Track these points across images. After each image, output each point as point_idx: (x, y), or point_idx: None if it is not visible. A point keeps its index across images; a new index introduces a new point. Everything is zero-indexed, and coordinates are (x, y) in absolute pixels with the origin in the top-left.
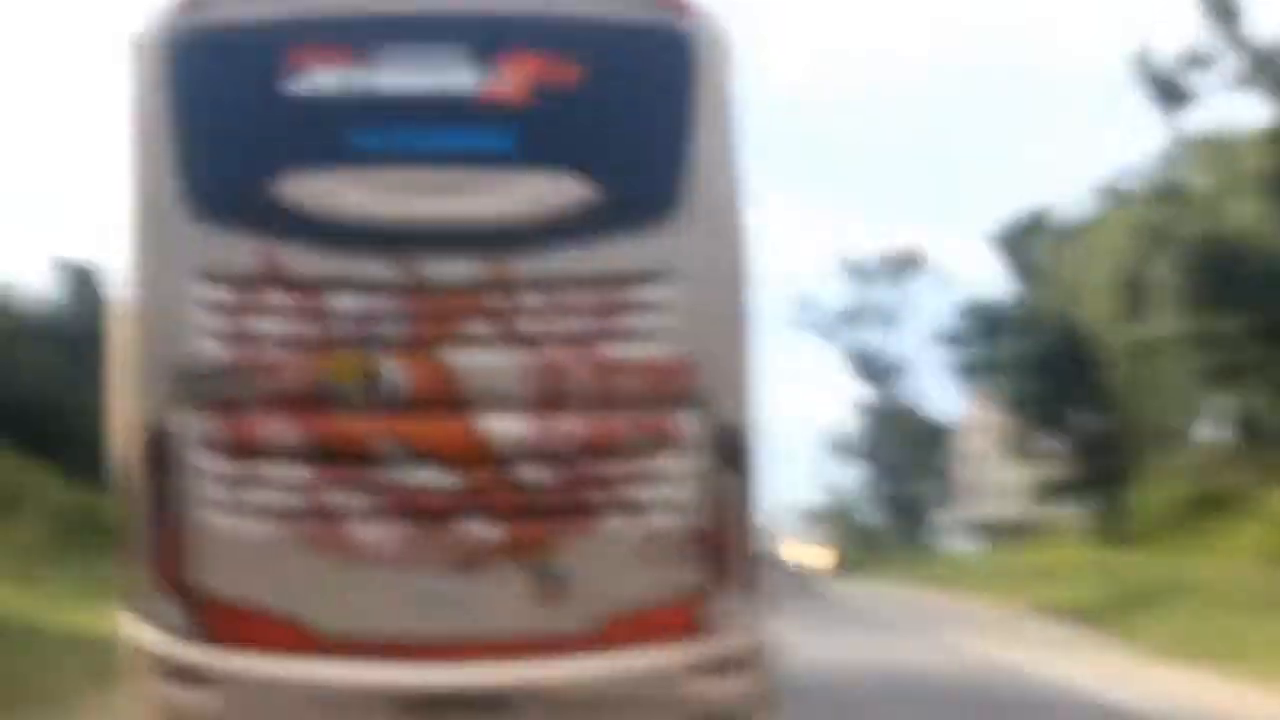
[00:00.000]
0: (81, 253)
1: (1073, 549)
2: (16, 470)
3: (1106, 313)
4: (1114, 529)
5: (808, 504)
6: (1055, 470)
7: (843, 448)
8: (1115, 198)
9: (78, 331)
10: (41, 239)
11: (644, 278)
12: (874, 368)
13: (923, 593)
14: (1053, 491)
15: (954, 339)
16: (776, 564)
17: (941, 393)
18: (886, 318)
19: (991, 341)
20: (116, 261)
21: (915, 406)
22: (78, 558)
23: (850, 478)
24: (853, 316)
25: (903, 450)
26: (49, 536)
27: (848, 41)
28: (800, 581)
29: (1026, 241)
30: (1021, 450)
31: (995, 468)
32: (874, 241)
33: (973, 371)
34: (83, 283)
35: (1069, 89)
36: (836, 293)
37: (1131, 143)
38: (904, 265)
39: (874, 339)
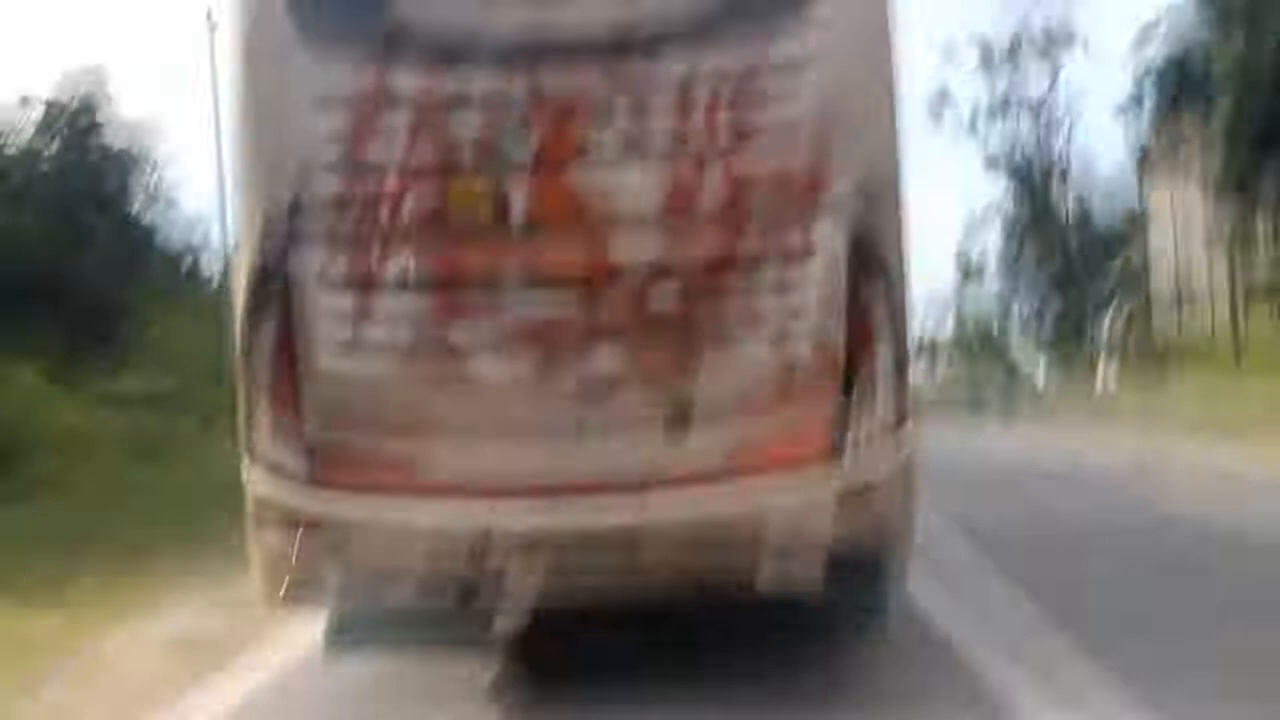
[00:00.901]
0: (58, 86)
1: None
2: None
3: None
4: None
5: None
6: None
7: (979, 269)
8: None
9: (70, 188)
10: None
11: (776, 72)
12: (1023, 168)
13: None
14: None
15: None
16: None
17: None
18: (1035, 107)
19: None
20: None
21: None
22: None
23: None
24: (995, 109)
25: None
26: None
27: None
28: None
29: None
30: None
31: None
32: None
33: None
34: (70, 125)
35: None
36: (971, 82)
37: None
38: (1052, 45)
39: (1023, 133)
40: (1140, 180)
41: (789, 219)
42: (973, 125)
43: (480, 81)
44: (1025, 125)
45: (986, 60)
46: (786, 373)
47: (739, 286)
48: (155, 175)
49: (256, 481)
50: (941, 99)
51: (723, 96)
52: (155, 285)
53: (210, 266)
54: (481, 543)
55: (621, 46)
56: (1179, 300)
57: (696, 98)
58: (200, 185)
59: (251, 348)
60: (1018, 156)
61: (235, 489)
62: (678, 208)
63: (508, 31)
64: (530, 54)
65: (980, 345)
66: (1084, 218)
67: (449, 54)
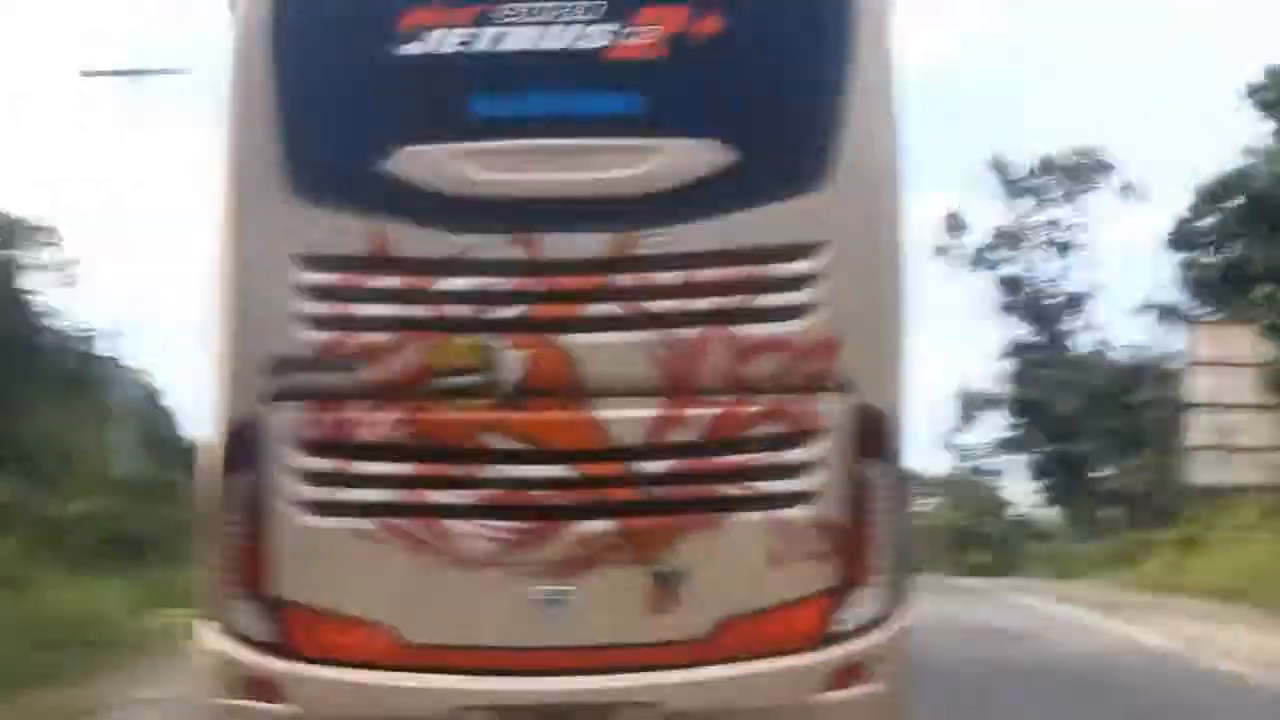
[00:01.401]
0: None
1: None
2: None
3: None
4: None
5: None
6: None
7: (986, 403)
8: None
9: None
10: None
11: (788, 252)
12: (1037, 303)
13: None
14: None
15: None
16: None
17: (1133, 331)
18: (1055, 240)
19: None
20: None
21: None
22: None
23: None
24: (1010, 239)
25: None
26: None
27: None
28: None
29: None
30: None
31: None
32: (1036, 145)
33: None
34: None
35: None
36: (987, 211)
37: None
38: (1080, 172)
39: (1039, 266)
40: (1179, 317)
41: (791, 391)
42: (985, 252)
43: (479, 243)
44: (1042, 255)
45: (1005, 185)
46: (780, 546)
47: (735, 458)
48: None
49: (215, 643)
50: (953, 224)
51: (730, 267)
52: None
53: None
54: (456, 714)
55: (629, 212)
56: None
57: (703, 268)
58: None
59: (220, 502)
60: (1032, 287)
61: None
62: (675, 377)
63: (511, 192)
64: (534, 216)
65: (982, 498)
66: (1102, 357)
67: (449, 214)
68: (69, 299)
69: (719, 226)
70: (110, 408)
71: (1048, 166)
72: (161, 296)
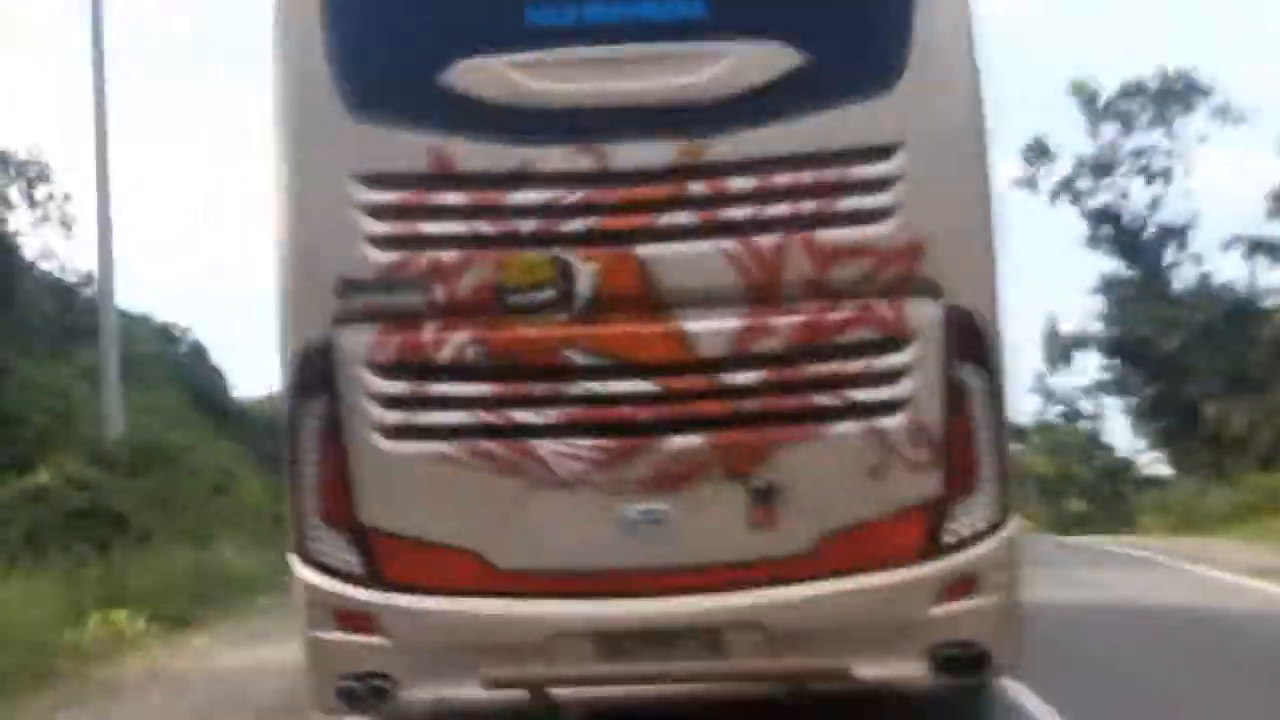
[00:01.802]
0: None
1: None
2: None
3: None
4: None
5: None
6: None
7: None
8: None
9: None
10: None
11: (865, 153)
12: (1129, 236)
13: None
14: None
15: None
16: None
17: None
18: (1147, 169)
19: None
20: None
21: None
22: None
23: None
24: (1098, 168)
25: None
26: None
27: None
28: None
29: None
30: None
31: None
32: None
33: None
34: None
35: None
36: (1073, 136)
37: None
38: (1173, 97)
39: (1130, 197)
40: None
41: (879, 296)
42: (1070, 183)
43: (544, 155)
44: (1133, 185)
45: (1089, 111)
46: (878, 457)
47: (825, 367)
48: None
49: (307, 577)
50: (1035, 152)
51: (806, 171)
52: None
53: None
54: (552, 640)
55: (697, 118)
56: None
57: (777, 172)
58: None
59: (296, 435)
60: (1124, 218)
61: None
62: (755, 285)
63: (573, 102)
64: (599, 126)
65: (1075, 443)
66: (1206, 292)
67: (510, 126)
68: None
69: (790, 130)
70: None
71: (1136, 90)
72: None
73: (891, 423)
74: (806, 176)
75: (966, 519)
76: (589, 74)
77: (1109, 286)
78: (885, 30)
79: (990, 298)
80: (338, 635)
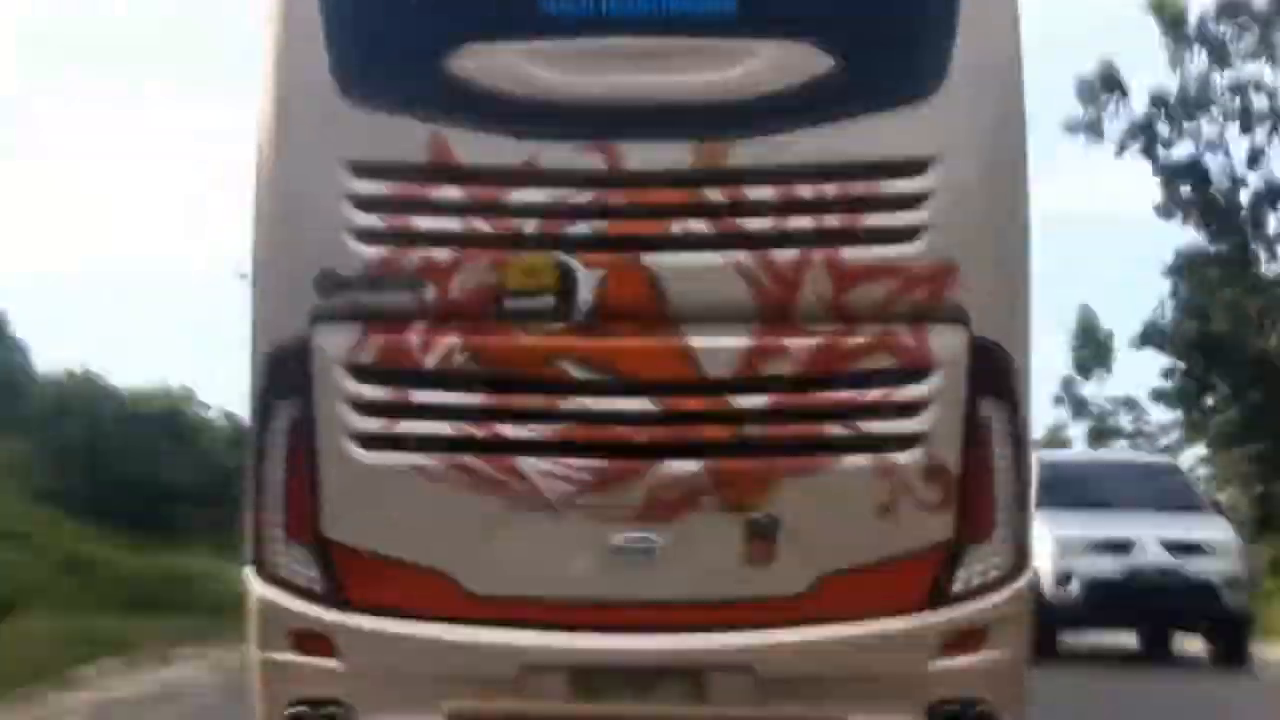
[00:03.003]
0: None
1: None
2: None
3: None
4: None
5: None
6: None
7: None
8: None
9: None
10: None
11: (897, 167)
12: (1218, 199)
13: None
14: None
15: None
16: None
17: None
18: (1248, 111)
19: None
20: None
21: None
22: None
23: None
24: (1180, 109)
25: None
26: None
27: None
28: None
29: None
30: None
31: None
32: None
33: None
34: None
35: None
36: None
37: None
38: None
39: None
40: None
41: (902, 327)
42: (1141, 129)
43: (551, 151)
44: (1231, 130)
45: (1172, 36)
46: (887, 494)
47: (837, 394)
48: None
49: (262, 593)
50: (1100, 86)
51: (831, 183)
52: None
53: None
54: (524, 673)
55: (716, 120)
56: None
57: (800, 182)
58: None
59: (262, 438)
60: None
61: None
62: (770, 303)
63: (586, 96)
64: (611, 124)
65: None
66: None
67: (517, 119)
68: None
69: (818, 137)
70: None
71: (1235, 8)
72: None
73: (905, 459)
74: (832, 188)
75: (978, 566)
76: (605, 67)
77: (1182, 267)
78: (926, 35)
79: (1020, 329)
80: (291, 657)
